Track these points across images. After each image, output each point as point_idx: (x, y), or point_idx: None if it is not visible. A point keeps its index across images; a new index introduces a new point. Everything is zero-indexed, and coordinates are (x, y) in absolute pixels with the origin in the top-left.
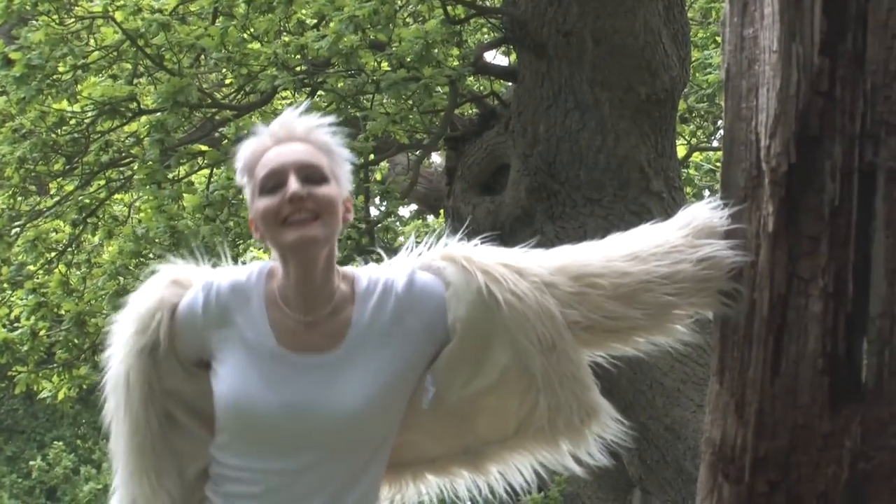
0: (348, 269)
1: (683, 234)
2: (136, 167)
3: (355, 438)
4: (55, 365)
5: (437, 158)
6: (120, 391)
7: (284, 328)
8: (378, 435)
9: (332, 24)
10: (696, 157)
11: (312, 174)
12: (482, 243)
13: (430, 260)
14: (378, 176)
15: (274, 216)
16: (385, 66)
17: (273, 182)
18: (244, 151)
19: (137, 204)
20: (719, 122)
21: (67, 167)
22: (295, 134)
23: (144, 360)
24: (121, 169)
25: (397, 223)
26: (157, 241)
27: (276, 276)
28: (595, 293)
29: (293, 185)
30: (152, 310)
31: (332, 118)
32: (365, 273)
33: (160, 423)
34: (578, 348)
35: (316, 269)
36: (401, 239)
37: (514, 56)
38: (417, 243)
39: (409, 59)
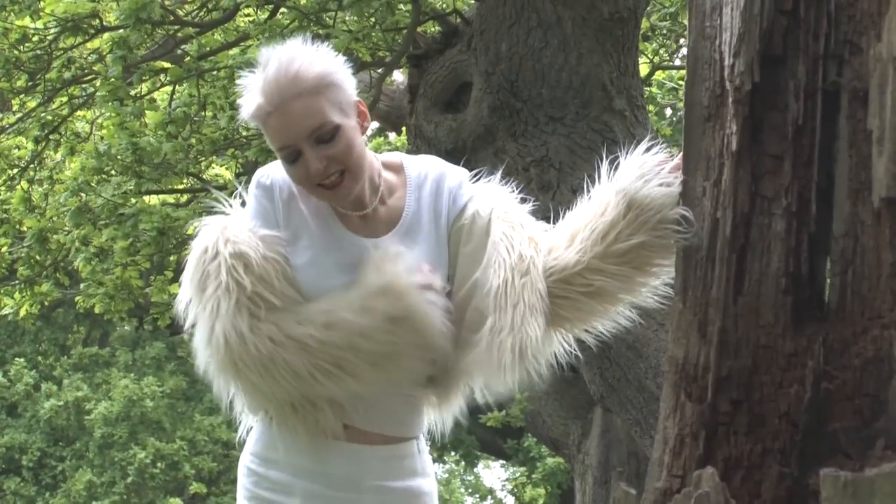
0: (393, 156)
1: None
2: (98, 84)
3: None
4: (17, 281)
5: (399, 76)
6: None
7: (345, 216)
8: None
9: None
10: (659, 75)
11: (323, 134)
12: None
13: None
14: None
15: (306, 182)
16: None
17: (289, 153)
18: (247, 111)
19: (100, 121)
20: (682, 40)
21: (30, 84)
22: (287, 92)
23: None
24: (83, 86)
25: None
26: (119, 157)
27: None
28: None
29: (313, 161)
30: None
31: (305, 43)
32: (416, 163)
33: None
34: (545, 286)
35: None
36: None
37: None
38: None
39: None
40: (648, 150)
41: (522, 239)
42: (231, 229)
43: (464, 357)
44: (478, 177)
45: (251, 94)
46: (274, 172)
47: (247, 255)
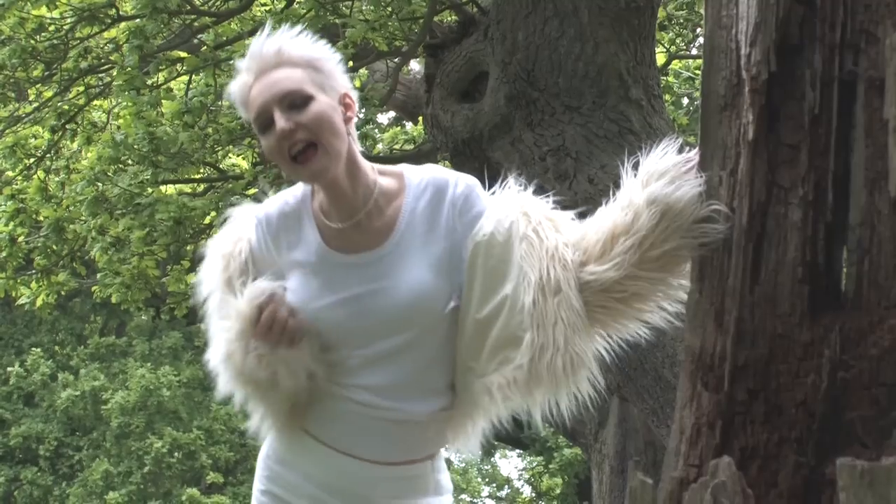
0: (395, 167)
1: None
2: (115, 73)
3: (420, 327)
4: (34, 271)
5: (415, 66)
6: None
7: (333, 235)
8: (439, 328)
9: None
10: (676, 64)
11: (295, 100)
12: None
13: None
14: (357, 83)
15: (278, 154)
16: None
17: (263, 122)
18: (233, 91)
19: (116, 110)
20: (698, 29)
21: (46, 73)
22: (268, 63)
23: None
24: (100, 75)
25: (376, 130)
26: (135, 147)
27: (319, 192)
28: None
29: (279, 121)
30: (234, 245)
31: (299, 28)
32: (417, 171)
33: None
34: (582, 302)
35: (339, 182)
36: (379, 146)
37: None
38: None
39: None
40: (667, 147)
41: (545, 253)
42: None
43: (495, 373)
44: (496, 182)
45: (238, 75)
46: (264, 208)
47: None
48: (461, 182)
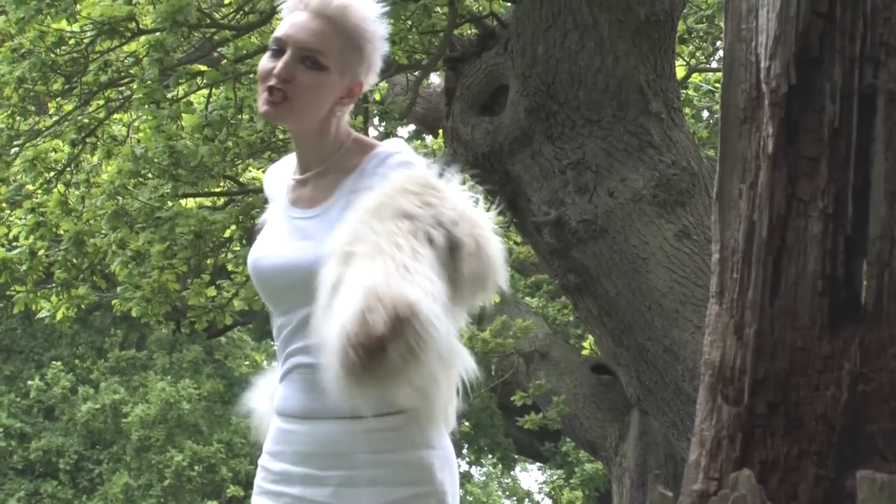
0: (384, 142)
1: None
2: (135, 87)
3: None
4: (54, 285)
5: (435, 79)
6: None
7: (292, 188)
8: None
9: None
10: (696, 77)
11: (310, 59)
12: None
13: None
14: (377, 96)
15: (261, 77)
16: None
17: (276, 46)
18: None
19: (136, 124)
20: (718, 42)
21: (66, 87)
22: (325, 9)
23: None
24: (120, 89)
25: None
26: (155, 160)
27: None
28: None
29: (282, 64)
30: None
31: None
32: (386, 146)
33: None
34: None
35: (304, 136)
36: None
37: None
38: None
39: None
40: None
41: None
42: None
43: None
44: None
45: None
46: (272, 167)
47: None
48: (396, 161)
